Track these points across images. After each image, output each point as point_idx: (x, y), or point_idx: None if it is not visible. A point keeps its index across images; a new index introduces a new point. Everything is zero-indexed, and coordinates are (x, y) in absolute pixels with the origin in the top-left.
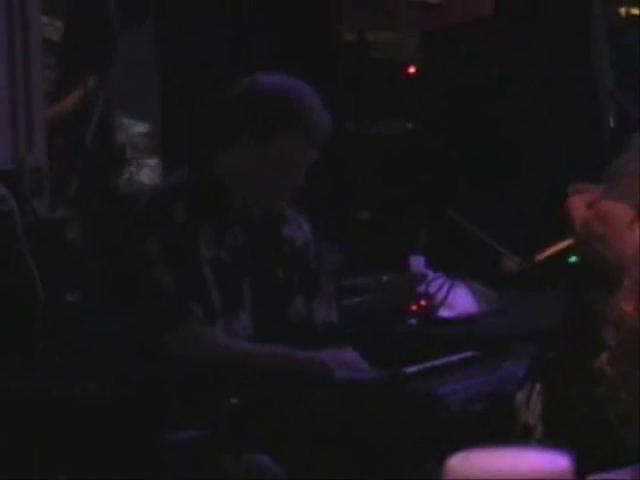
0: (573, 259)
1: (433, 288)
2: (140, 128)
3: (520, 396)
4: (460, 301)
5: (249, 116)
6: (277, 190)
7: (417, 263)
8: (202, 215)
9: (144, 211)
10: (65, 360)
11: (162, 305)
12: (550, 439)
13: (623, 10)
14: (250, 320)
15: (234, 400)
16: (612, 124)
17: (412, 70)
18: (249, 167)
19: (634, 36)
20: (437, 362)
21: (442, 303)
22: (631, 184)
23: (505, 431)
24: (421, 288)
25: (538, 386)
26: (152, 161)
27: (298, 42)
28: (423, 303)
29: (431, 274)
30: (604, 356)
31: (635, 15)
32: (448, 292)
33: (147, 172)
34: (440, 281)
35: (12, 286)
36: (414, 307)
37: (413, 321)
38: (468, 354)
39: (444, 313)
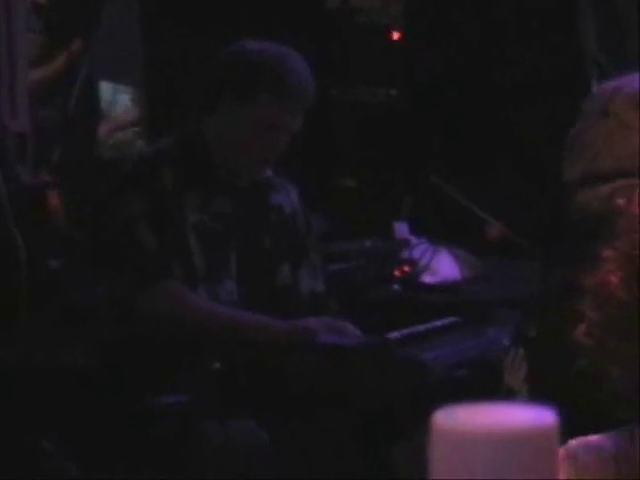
0: None
1: (416, 254)
2: (124, 93)
3: (506, 361)
4: (443, 267)
5: (231, 78)
6: (259, 156)
7: (401, 229)
8: (189, 180)
9: (131, 173)
10: (48, 327)
11: (142, 263)
12: (534, 402)
13: None
14: (236, 286)
15: (217, 365)
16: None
17: (396, 36)
18: (229, 132)
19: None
20: (420, 328)
21: (425, 269)
22: (594, 150)
23: (489, 396)
24: (404, 254)
25: (521, 351)
26: (136, 126)
27: (282, 7)
28: (406, 269)
29: (414, 240)
30: (582, 328)
31: None
32: (431, 258)
33: (131, 137)
34: (423, 247)
35: None
36: (397, 273)
37: (396, 287)
38: (451, 320)
39: (427, 279)
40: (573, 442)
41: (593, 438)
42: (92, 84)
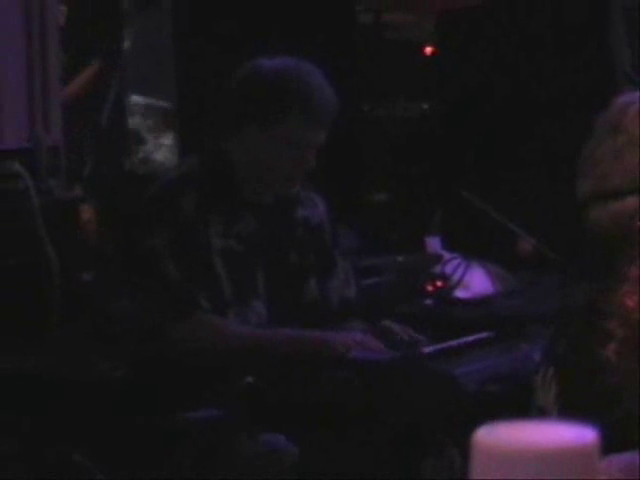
0: None
1: (449, 269)
2: (156, 107)
3: (537, 379)
4: (476, 282)
5: (251, 102)
6: (288, 174)
7: (433, 244)
8: (212, 204)
9: (152, 202)
10: (80, 340)
11: (168, 297)
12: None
13: None
14: (265, 307)
15: (249, 379)
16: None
17: (429, 51)
18: (256, 153)
19: None
20: (453, 343)
21: (458, 284)
22: (604, 166)
23: (520, 413)
24: (437, 269)
25: (552, 370)
26: (168, 140)
27: (315, 23)
28: (439, 284)
29: (447, 255)
30: (612, 346)
31: None
32: (464, 273)
33: (163, 151)
34: (456, 262)
35: (27, 265)
36: (430, 288)
37: (429, 302)
38: (483, 335)
39: (460, 294)
40: (605, 460)
41: (626, 456)
42: (123, 99)
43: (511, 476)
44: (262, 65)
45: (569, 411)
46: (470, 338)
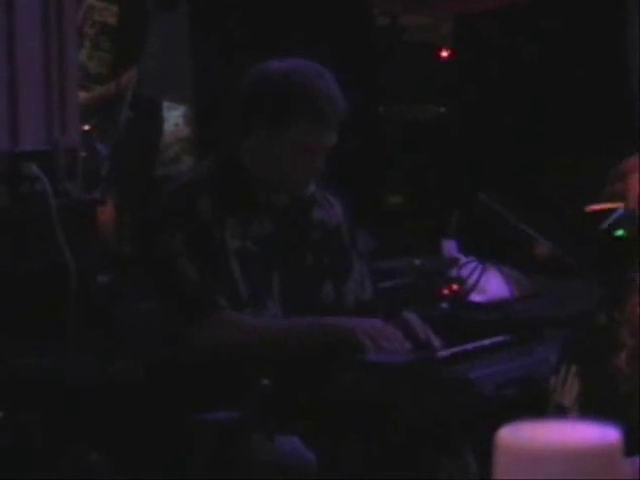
0: (620, 232)
1: (465, 272)
2: (175, 112)
3: (554, 379)
4: (492, 286)
5: (259, 106)
6: (298, 177)
7: (449, 247)
8: (227, 206)
9: (168, 205)
10: (97, 341)
11: (187, 298)
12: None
13: None
14: (280, 308)
15: (266, 381)
16: None
17: (445, 54)
18: (266, 156)
19: None
20: (469, 346)
21: (474, 287)
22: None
23: (537, 416)
24: (453, 272)
25: (574, 368)
26: (187, 144)
27: (332, 26)
28: (455, 287)
29: (463, 258)
30: (623, 355)
31: None
32: (480, 276)
33: (178, 153)
34: (472, 265)
35: (45, 267)
36: (446, 291)
37: (445, 305)
38: (500, 339)
39: (476, 297)
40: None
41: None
42: (141, 102)
43: (535, 475)
44: (269, 69)
45: (590, 411)
46: (486, 342)
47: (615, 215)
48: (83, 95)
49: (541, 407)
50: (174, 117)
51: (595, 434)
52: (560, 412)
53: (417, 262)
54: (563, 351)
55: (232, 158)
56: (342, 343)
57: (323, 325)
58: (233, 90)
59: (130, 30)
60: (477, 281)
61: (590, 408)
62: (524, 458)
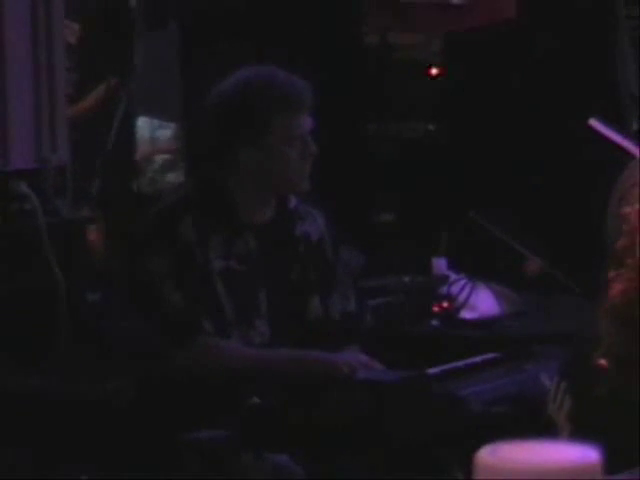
0: None
1: (455, 290)
2: (164, 128)
3: (550, 392)
4: (482, 303)
5: (232, 128)
6: (299, 167)
7: (439, 265)
8: (210, 226)
9: (150, 229)
10: (86, 360)
11: (171, 322)
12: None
13: None
14: (267, 326)
15: (255, 400)
16: (636, 127)
17: (435, 71)
18: (262, 166)
19: None
20: (459, 364)
21: (464, 305)
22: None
23: (526, 433)
24: (443, 290)
25: (564, 385)
26: (176, 160)
27: (321, 45)
28: (445, 305)
29: (453, 276)
30: (599, 351)
31: None
32: (470, 294)
33: (163, 167)
34: (462, 283)
35: (34, 284)
36: (436, 308)
37: (435, 322)
38: (490, 356)
39: (466, 315)
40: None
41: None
42: (131, 120)
43: None
44: (224, 92)
45: (583, 428)
46: (476, 359)
47: None
48: (70, 111)
49: (531, 424)
50: (163, 135)
51: (575, 454)
52: (551, 427)
53: (407, 279)
54: (559, 367)
55: (212, 182)
56: (326, 376)
57: (307, 359)
58: (200, 123)
59: (97, 48)
60: (467, 298)
61: (582, 427)
62: (502, 478)
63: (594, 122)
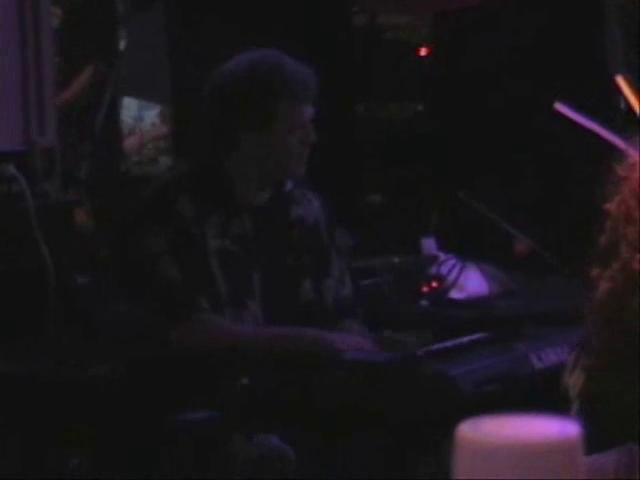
0: None
1: (444, 270)
2: (152, 111)
3: (568, 361)
4: (471, 283)
5: (237, 113)
6: (296, 149)
7: (428, 245)
8: (207, 205)
9: (147, 205)
10: (76, 342)
11: (169, 299)
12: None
13: None
14: (260, 307)
15: (245, 380)
16: (623, 106)
17: (424, 52)
18: (263, 154)
19: None
20: (448, 343)
21: (453, 285)
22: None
23: (517, 413)
24: (432, 270)
25: (581, 359)
26: (164, 143)
27: (310, 25)
28: (434, 285)
29: (442, 256)
30: (586, 347)
31: None
32: (459, 274)
33: (155, 152)
34: (451, 263)
35: (23, 267)
36: (425, 289)
37: (424, 303)
38: (479, 336)
39: (455, 295)
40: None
41: (595, 457)
42: (118, 101)
43: (493, 470)
44: (229, 76)
45: (590, 405)
46: (466, 339)
47: None
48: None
49: (521, 403)
50: (150, 116)
51: (555, 429)
52: (566, 396)
53: (396, 260)
54: (578, 339)
55: (210, 162)
56: (322, 354)
57: (304, 336)
58: (202, 108)
59: (81, 32)
60: (456, 278)
61: (590, 403)
62: (483, 453)
63: (560, 106)
